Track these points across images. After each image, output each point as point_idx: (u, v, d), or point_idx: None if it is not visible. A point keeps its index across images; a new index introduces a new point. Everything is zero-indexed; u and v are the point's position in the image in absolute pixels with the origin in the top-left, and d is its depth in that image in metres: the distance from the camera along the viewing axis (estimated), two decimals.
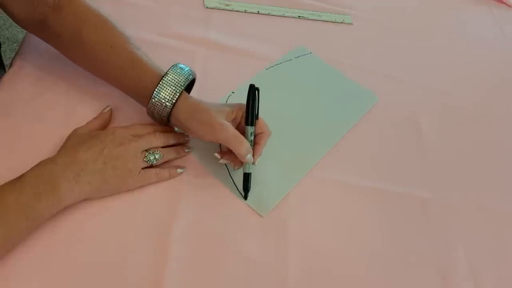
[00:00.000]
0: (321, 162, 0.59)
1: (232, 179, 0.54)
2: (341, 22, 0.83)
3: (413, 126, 0.69)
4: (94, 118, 0.53)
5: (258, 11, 0.78)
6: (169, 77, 0.50)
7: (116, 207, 0.49)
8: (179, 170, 0.53)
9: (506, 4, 1.02)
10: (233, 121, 0.52)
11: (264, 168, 0.56)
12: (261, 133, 0.53)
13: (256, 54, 0.71)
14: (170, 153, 0.53)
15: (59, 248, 0.45)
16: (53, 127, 0.52)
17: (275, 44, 0.73)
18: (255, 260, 0.49)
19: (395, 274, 0.52)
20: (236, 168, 0.53)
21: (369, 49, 0.80)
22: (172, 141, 0.54)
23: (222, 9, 0.76)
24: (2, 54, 0.69)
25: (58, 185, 0.43)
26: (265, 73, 0.69)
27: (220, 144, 0.55)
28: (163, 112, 0.50)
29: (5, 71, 0.59)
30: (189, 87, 0.55)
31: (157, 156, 0.50)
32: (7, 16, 0.52)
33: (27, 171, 0.44)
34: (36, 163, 0.45)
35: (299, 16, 0.80)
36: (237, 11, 0.77)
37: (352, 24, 0.83)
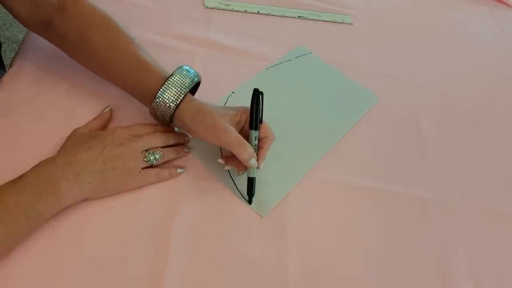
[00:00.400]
0: (321, 162, 0.59)
1: (233, 179, 0.54)
2: (341, 22, 0.83)
3: (413, 126, 0.69)
4: (94, 118, 0.53)
5: (258, 11, 0.78)
6: (174, 78, 0.50)
7: (116, 207, 0.49)
8: (179, 170, 0.53)
9: (506, 4, 1.02)
10: (237, 124, 0.52)
11: (264, 168, 0.56)
12: (265, 137, 0.53)
13: (256, 54, 0.71)
14: (170, 153, 0.53)
15: (59, 248, 0.45)
16: (53, 127, 0.52)
17: (275, 44, 0.73)
18: (255, 260, 0.49)
19: (395, 274, 0.52)
20: (240, 173, 0.53)
21: (369, 49, 0.80)
22: (172, 141, 0.54)
23: (222, 9, 0.76)
24: (2, 54, 0.69)
25: (58, 185, 0.43)
26: (265, 73, 0.69)
27: (220, 147, 0.55)
28: (167, 112, 0.50)
29: (5, 71, 0.59)
30: (194, 89, 0.55)
31: (157, 156, 0.51)
32: (7, 16, 0.52)
33: (27, 171, 0.44)
34: (36, 163, 0.45)
35: (299, 16, 0.80)
36: (237, 11, 0.77)
37: (352, 24, 0.83)
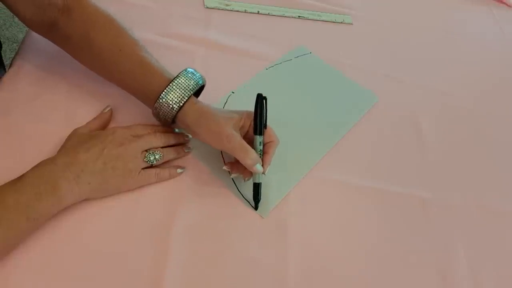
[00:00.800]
0: (321, 162, 0.59)
1: (233, 180, 0.54)
2: (341, 22, 0.83)
3: (413, 126, 0.69)
4: (94, 118, 0.53)
5: (258, 11, 0.78)
6: (179, 80, 0.50)
7: (116, 207, 0.49)
8: (179, 170, 0.53)
9: (506, 4, 1.02)
10: (240, 129, 0.52)
11: None
12: (270, 142, 0.52)
13: (256, 54, 0.71)
14: (170, 153, 0.53)
15: (59, 248, 0.45)
16: (53, 127, 0.52)
17: (275, 44, 0.73)
18: (255, 260, 0.49)
19: (395, 274, 0.52)
20: (246, 179, 0.53)
21: (369, 49, 0.80)
22: (172, 141, 0.54)
23: (222, 9, 0.76)
24: (2, 54, 0.69)
25: (58, 185, 0.43)
26: (265, 73, 0.69)
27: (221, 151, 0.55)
28: (169, 114, 0.50)
29: (5, 71, 0.59)
30: (198, 92, 0.55)
31: (157, 156, 0.51)
32: (7, 16, 0.52)
33: (28, 171, 0.44)
34: (36, 163, 0.45)
35: (299, 16, 0.80)
36: (237, 11, 0.77)
37: (352, 24, 0.83)
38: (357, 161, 0.62)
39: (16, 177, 0.43)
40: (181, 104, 0.49)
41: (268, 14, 0.79)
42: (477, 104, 0.76)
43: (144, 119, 0.55)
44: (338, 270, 0.50)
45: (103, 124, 0.54)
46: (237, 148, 0.49)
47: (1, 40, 0.66)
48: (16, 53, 0.60)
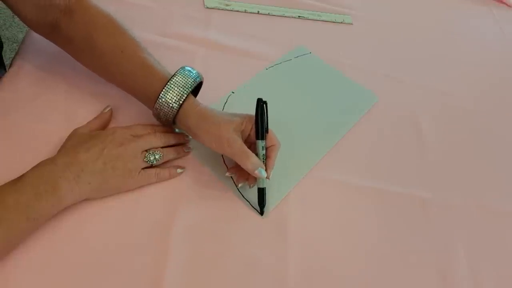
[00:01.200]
0: (321, 162, 0.59)
1: (233, 179, 0.54)
2: (341, 22, 0.83)
3: (413, 126, 0.69)
4: (94, 118, 0.53)
5: (258, 11, 0.78)
6: (176, 78, 0.50)
7: (116, 207, 0.49)
8: (179, 170, 0.53)
9: (506, 4, 1.02)
10: (242, 132, 0.51)
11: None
12: (272, 146, 0.52)
13: (256, 54, 0.71)
14: (170, 153, 0.53)
15: (59, 248, 0.45)
16: (53, 127, 0.52)
17: (275, 44, 0.73)
18: (255, 260, 0.49)
19: (395, 274, 0.52)
20: (251, 186, 0.52)
21: (369, 49, 0.80)
22: (172, 142, 0.54)
23: (222, 9, 0.76)
24: (2, 54, 0.69)
25: (58, 185, 0.43)
26: (265, 73, 0.69)
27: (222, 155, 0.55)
28: (170, 113, 0.50)
29: (5, 71, 0.59)
30: (196, 90, 0.55)
31: (157, 157, 0.51)
32: (7, 16, 0.52)
33: (28, 171, 0.44)
34: (36, 163, 0.45)
35: (299, 16, 0.80)
36: (237, 11, 0.77)
37: (352, 24, 0.83)
38: (357, 161, 0.62)
39: (16, 177, 0.43)
40: (180, 103, 0.49)
41: (268, 14, 0.79)
42: (477, 104, 0.76)
43: (144, 119, 0.55)
44: (338, 270, 0.50)
45: (103, 124, 0.54)
46: (237, 152, 0.49)
47: (1, 40, 0.66)
48: (16, 53, 0.60)
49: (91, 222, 0.47)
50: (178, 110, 0.50)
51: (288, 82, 0.69)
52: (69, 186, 0.44)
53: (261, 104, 0.51)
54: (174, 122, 0.52)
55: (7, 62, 0.66)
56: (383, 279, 0.51)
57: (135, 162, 0.49)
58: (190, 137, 0.56)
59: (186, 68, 0.51)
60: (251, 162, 0.49)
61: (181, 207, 0.51)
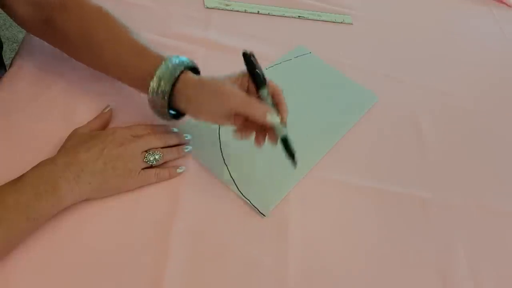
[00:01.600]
0: (321, 162, 0.59)
1: (233, 179, 0.54)
2: (341, 22, 0.83)
3: (413, 126, 0.69)
4: (95, 118, 0.53)
5: (258, 11, 0.78)
6: (171, 58, 0.49)
7: (116, 207, 0.49)
8: (179, 170, 0.53)
9: (506, 4, 1.02)
10: (239, 87, 0.49)
11: (264, 168, 0.56)
12: (275, 91, 0.50)
13: (256, 54, 0.70)
14: (170, 153, 0.53)
15: (59, 248, 0.45)
16: (53, 127, 0.52)
17: (275, 44, 0.73)
18: (255, 260, 0.49)
19: (395, 274, 0.52)
20: (261, 144, 0.50)
21: (369, 49, 0.80)
22: (172, 142, 0.54)
23: (222, 9, 0.76)
24: (2, 54, 0.69)
25: (58, 185, 0.43)
26: (265, 73, 0.68)
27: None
28: (167, 84, 0.47)
29: (5, 71, 0.59)
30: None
31: (156, 157, 0.51)
32: (7, 16, 0.52)
33: (28, 171, 0.44)
34: (36, 163, 0.45)
35: (299, 16, 0.80)
36: (237, 11, 0.77)
37: (352, 24, 0.83)
38: (357, 161, 0.62)
39: (16, 177, 0.43)
40: (178, 72, 0.48)
41: (268, 14, 0.79)
42: (477, 104, 0.76)
43: (144, 119, 0.55)
44: (338, 270, 0.50)
45: (103, 124, 0.54)
46: (243, 103, 0.47)
47: (1, 40, 0.66)
48: (16, 53, 0.60)
49: (91, 222, 0.47)
50: (175, 82, 0.48)
51: (288, 82, 0.68)
52: (69, 186, 0.44)
53: (248, 58, 0.50)
54: (170, 103, 0.49)
55: (7, 62, 0.66)
56: (383, 279, 0.51)
57: (135, 162, 0.49)
58: (190, 137, 0.56)
59: (179, 56, 0.50)
60: (260, 108, 0.47)
61: (181, 207, 0.51)
